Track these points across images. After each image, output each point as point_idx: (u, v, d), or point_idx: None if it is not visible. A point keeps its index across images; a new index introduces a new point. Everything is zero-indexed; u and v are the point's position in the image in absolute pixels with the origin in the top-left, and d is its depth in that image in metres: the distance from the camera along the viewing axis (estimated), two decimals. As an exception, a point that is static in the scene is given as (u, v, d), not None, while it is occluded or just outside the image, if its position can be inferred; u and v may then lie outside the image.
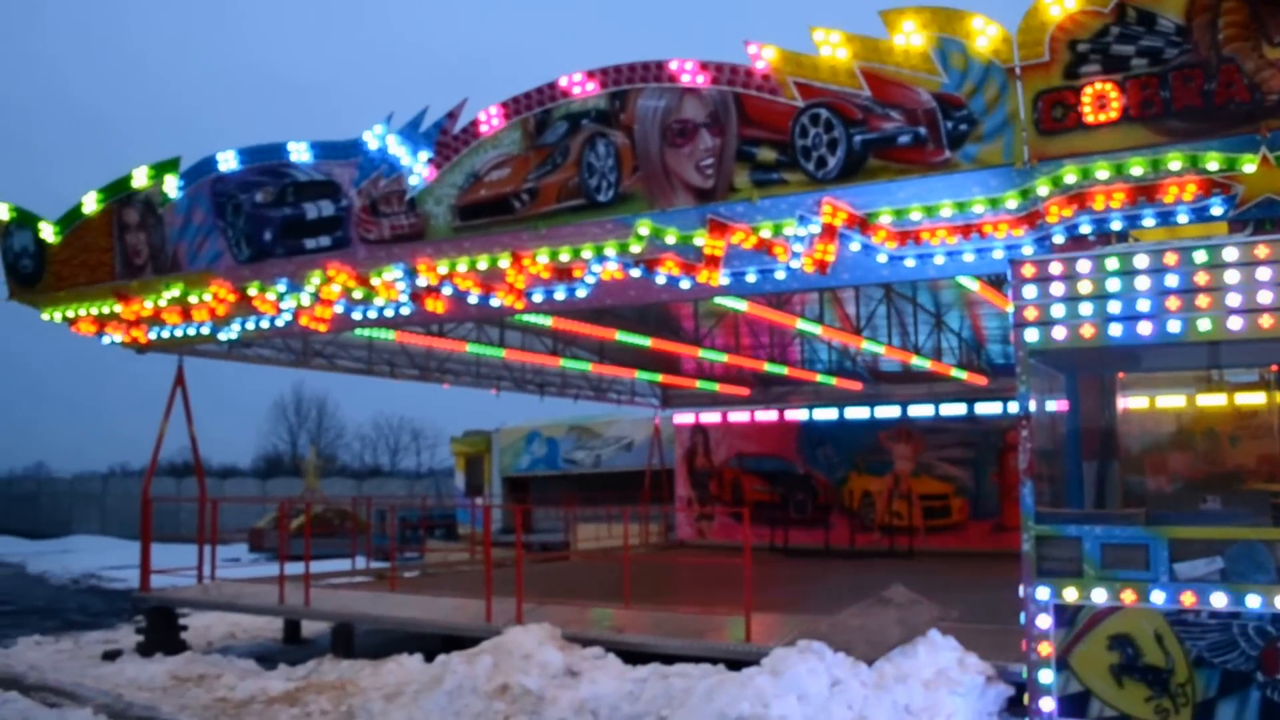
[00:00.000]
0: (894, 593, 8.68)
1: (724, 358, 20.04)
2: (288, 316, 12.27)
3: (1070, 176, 7.63)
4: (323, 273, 11.34)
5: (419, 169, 10.07)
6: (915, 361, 18.95)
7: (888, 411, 22.89)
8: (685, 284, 9.94)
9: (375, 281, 11.28)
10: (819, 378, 21.97)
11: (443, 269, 10.85)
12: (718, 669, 8.72)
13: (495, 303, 11.21)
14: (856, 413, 23.24)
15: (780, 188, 8.46)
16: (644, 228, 9.28)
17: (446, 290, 11.13)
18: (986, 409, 21.72)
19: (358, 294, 11.51)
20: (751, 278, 9.90)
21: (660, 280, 9.94)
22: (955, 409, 22.16)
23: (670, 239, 9.40)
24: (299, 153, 10.81)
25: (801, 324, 16.22)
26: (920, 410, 22.52)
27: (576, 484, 28.67)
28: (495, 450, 31.80)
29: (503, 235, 9.94)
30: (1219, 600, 6.16)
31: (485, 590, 11.60)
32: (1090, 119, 7.25)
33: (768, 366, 20.79)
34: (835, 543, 22.50)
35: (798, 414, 23.98)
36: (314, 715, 9.76)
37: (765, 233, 9.17)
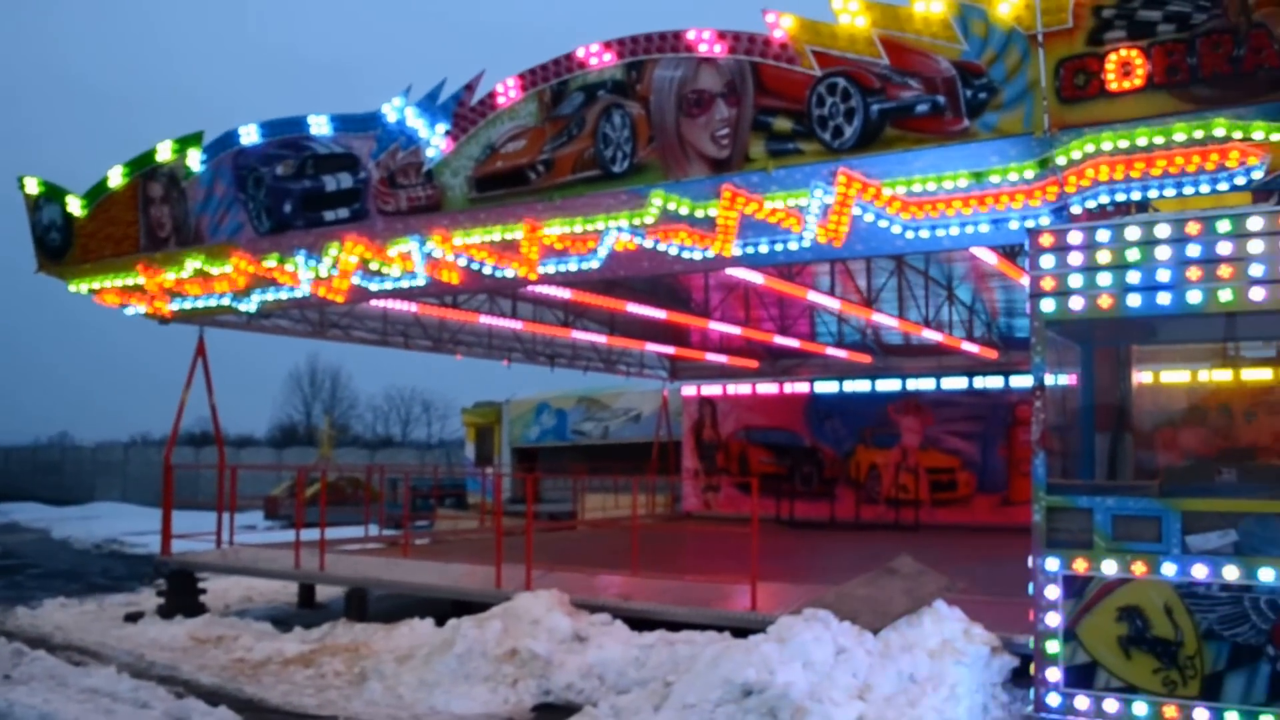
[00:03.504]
0: (901, 563, 8.71)
1: (734, 330, 20.01)
2: (306, 288, 12.35)
3: (1091, 145, 7.58)
4: (341, 244, 11.45)
5: (436, 141, 10.08)
6: (925, 334, 18.92)
7: (896, 385, 22.88)
8: (698, 255, 9.92)
9: (392, 253, 11.38)
10: (827, 350, 21.95)
11: (458, 240, 10.91)
12: (723, 636, 8.78)
13: (509, 274, 11.25)
14: (865, 386, 23.23)
15: (796, 158, 8.43)
16: (658, 199, 9.29)
17: (461, 261, 11.18)
18: (995, 382, 21.71)
19: (374, 265, 11.62)
20: (764, 248, 9.90)
21: (673, 251, 9.93)
22: (964, 382, 22.15)
23: (684, 210, 9.39)
24: (319, 125, 10.88)
25: (812, 296, 16.19)
26: (929, 383, 22.52)
27: (584, 455, 28.70)
28: (505, 421, 31.85)
29: (518, 206, 9.96)
30: (1231, 573, 6.16)
31: (495, 557, 11.68)
32: (1114, 87, 7.18)
33: (777, 339, 20.77)
34: (840, 515, 22.54)
35: (806, 387, 23.98)
36: (328, 676, 9.91)
37: (780, 203, 9.14)
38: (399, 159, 10.47)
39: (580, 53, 9.30)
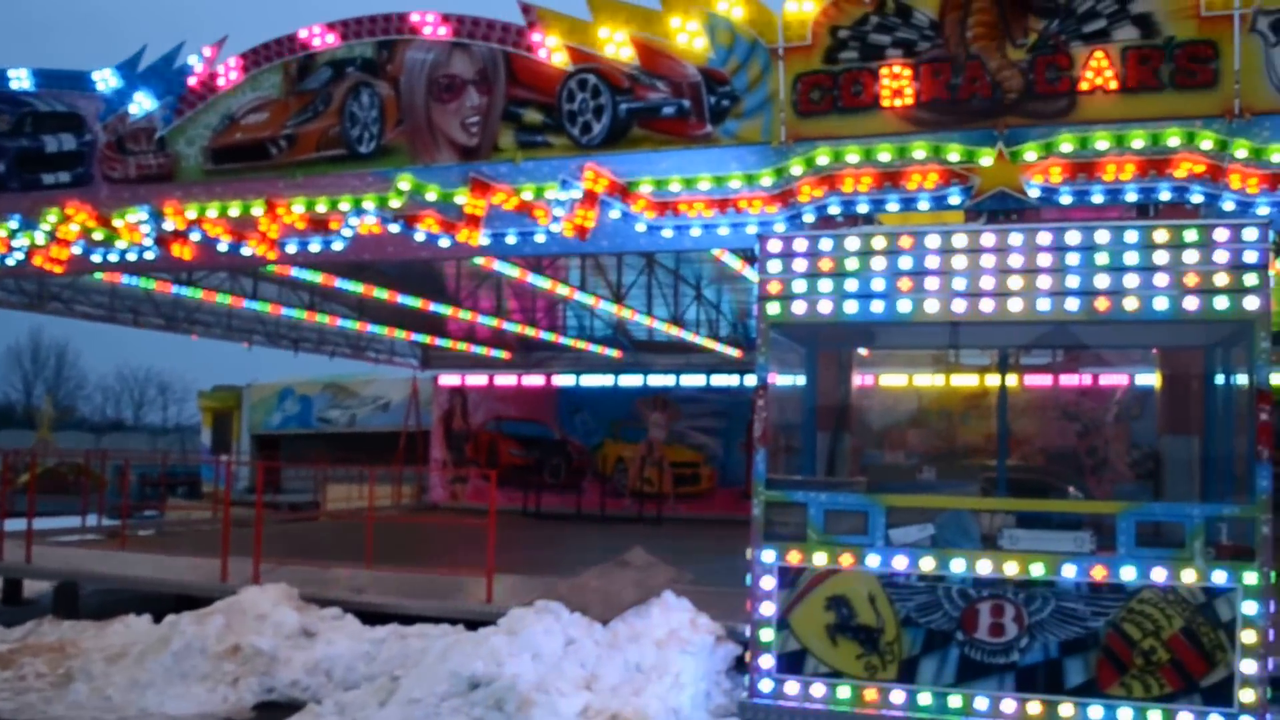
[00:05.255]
0: (633, 555, 8.89)
1: (487, 320, 19.90)
2: (20, 256, 11.44)
3: (823, 158, 7.96)
4: (60, 211, 10.76)
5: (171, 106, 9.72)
6: (674, 332, 19.40)
7: (645, 380, 23.36)
8: (445, 242, 9.76)
9: (118, 223, 10.73)
10: (579, 344, 22.17)
11: (191, 213, 10.41)
12: (457, 629, 8.73)
13: (247, 252, 10.75)
14: (615, 380, 23.60)
15: (544, 150, 8.56)
16: (405, 182, 9.17)
17: (194, 236, 10.61)
18: (739, 380, 22.50)
19: (98, 235, 10.92)
20: (511, 239, 9.84)
21: (419, 237, 9.76)
22: (710, 379, 22.85)
23: (431, 195, 9.29)
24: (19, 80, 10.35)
25: (563, 289, 16.32)
26: (677, 380, 23.10)
27: (330, 443, 27.97)
28: (245, 406, 30.61)
29: (257, 181, 9.71)
30: (927, 564, 6.62)
31: (222, 549, 11.21)
32: (844, 104, 7.62)
33: (529, 330, 20.81)
34: (586, 508, 22.78)
35: (557, 379, 24.13)
36: (29, 678, 9.21)
37: (527, 195, 9.16)
38: (129, 123, 10.06)
39: (304, 33, 9.25)
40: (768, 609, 6.86)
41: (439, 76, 8.82)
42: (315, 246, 10.45)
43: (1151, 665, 6.29)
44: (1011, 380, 18.79)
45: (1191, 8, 7.05)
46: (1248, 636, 6.20)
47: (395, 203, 9.40)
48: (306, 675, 8.73)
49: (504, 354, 24.03)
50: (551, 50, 8.38)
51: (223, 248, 10.73)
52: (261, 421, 30.32)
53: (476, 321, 20.02)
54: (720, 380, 22.80)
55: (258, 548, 10.87)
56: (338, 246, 10.29)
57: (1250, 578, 6.21)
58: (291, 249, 10.63)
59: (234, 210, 10.26)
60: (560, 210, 9.04)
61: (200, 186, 9.94)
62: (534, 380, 24.32)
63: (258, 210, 10.10)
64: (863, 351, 10.71)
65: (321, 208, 9.88)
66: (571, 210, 8.98)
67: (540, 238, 9.66)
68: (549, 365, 24.28)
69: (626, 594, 8.37)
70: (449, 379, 25.08)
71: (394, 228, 9.76)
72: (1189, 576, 6.27)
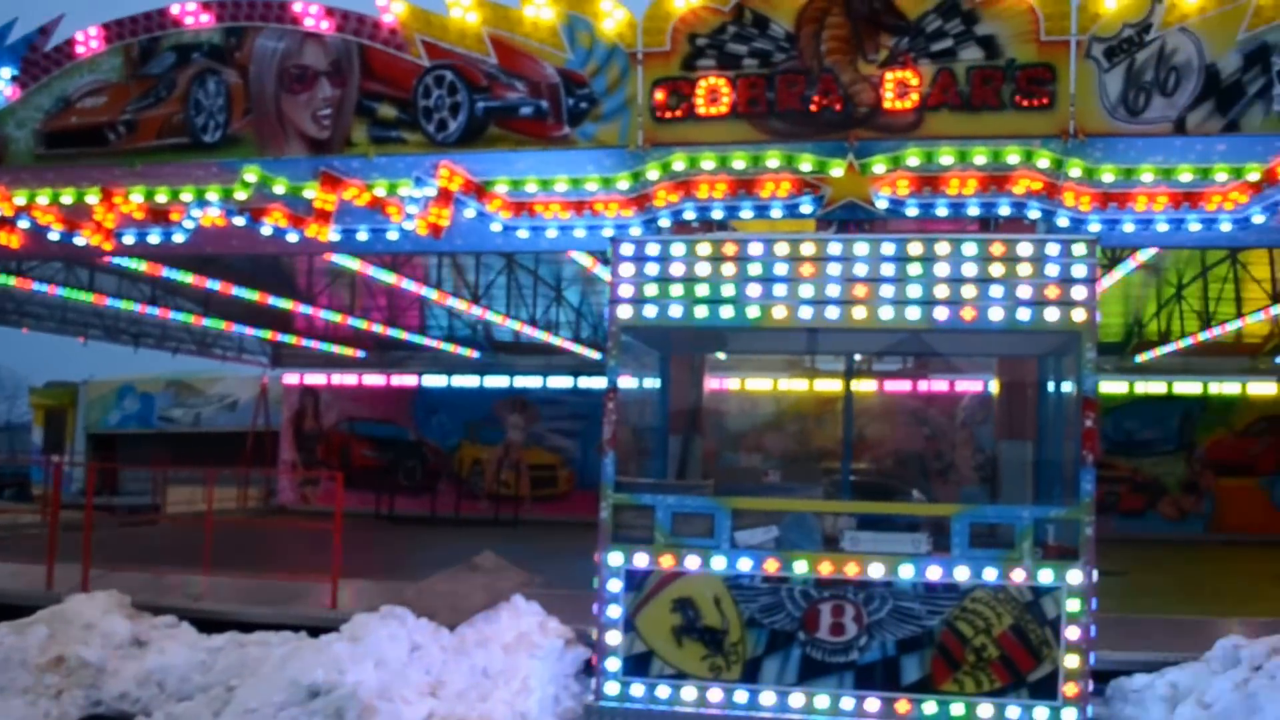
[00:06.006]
0: (483, 559, 8.80)
1: (338, 317, 19.43)
2: None
3: (679, 164, 8.04)
4: None
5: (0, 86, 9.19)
6: (533, 333, 19.32)
7: (503, 381, 23.22)
8: (293, 237, 9.49)
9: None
10: (437, 344, 21.88)
11: (20, 200, 9.90)
12: (299, 637, 8.47)
13: (81, 242, 10.29)
14: (472, 381, 23.40)
15: (398, 146, 8.42)
16: (251, 174, 8.89)
17: (23, 224, 10.11)
18: (599, 383, 22.47)
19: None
20: (363, 236, 9.66)
21: (266, 231, 9.46)
22: (569, 381, 22.84)
23: (279, 189, 9.03)
24: None
25: (415, 287, 16.11)
26: (535, 381, 23.04)
27: (172, 444, 27.00)
28: (81, 404, 29.28)
29: (93, 168, 9.28)
30: (771, 566, 6.73)
31: (48, 555, 10.64)
32: (701, 111, 7.72)
33: (381, 328, 20.43)
34: (441, 510, 22.51)
35: (413, 379, 23.76)
36: None
37: (380, 191, 9.01)
38: (-47, 103, 9.47)
39: (175, 9, 8.81)
40: (614, 612, 6.87)
41: (290, 66, 8.58)
42: (155, 238, 10.08)
43: (983, 661, 6.51)
44: (869, 385, 19.40)
45: (1032, 32, 7.36)
46: (1071, 633, 6.47)
47: (241, 195, 9.10)
48: (137, 687, 8.34)
49: (353, 352, 23.52)
50: (408, 44, 8.25)
51: (54, 237, 10.27)
52: (98, 420, 29.09)
53: (329, 319, 19.55)
54: (581, 382, 22.79)
55: (86, 553, 10.38)
56: (179, 239, 9.94)
57: (1074, 576, 6.49)
58: (129, 240, 10.22)
59: (67, 198, 9.78)
60: (414, 208, 8.90)
61: (30, 171, 9.46)
62: (389, 380, 23.88)
63: (93, 198, 9.64)
64: (720, 356, 10.84)
65: (162, 198, 9.49)
66: (425, 208, 8.83)
67: (393, 235, 9.52)
68: (405, 365, 23.89)
69: (475, 598, 8.26)
70: (300, 378, 24.43)
71: (239, 221, 9.45)
72: (1018, 576, 6.53)
